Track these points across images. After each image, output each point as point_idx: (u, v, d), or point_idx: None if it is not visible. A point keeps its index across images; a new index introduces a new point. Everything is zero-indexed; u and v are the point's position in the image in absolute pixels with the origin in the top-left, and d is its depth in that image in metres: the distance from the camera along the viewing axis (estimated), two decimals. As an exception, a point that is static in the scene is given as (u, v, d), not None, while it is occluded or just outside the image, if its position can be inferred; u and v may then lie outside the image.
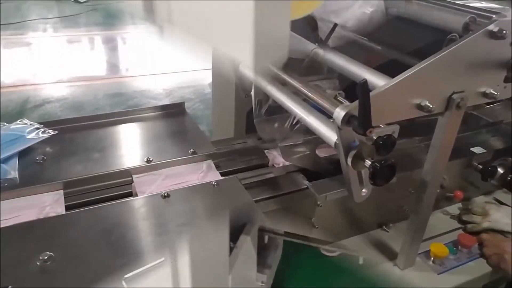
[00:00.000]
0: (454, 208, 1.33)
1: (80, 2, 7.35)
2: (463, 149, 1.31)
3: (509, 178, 1.35)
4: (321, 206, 1.05)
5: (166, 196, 0.93)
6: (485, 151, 1.30)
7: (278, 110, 1.18)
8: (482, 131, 1.42)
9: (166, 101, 3.84)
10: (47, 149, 1.10)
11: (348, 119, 0.75)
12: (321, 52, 1.10)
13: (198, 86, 4.10)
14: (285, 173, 1.12)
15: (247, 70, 1.19)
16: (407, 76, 0.78)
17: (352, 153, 0.80)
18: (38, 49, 5.22)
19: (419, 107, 0.82)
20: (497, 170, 1.29)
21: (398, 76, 0.78)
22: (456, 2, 0.95)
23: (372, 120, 0.77)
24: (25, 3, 6.95)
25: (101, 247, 0.79)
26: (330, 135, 0.86)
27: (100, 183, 1.00)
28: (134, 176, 1.03)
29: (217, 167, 1.11)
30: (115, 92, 4.01)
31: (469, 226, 1.23)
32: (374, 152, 0.81)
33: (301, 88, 0.89)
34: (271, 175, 1.11)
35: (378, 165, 0.76)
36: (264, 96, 1.18)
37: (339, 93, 1.12)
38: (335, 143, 0.82)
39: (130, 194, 1.00)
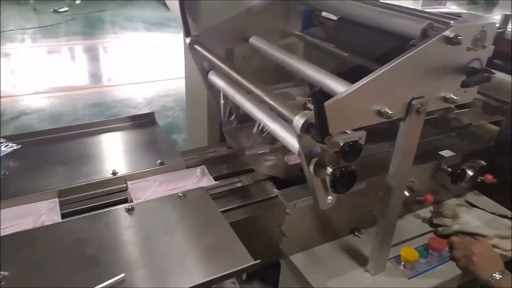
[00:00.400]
0: (426, 212, 1.34)
1: (59, 12, 7.28)
2: (433, 152, 1.32)
3: (479, 180, 1.37)
4: (290, 214, 1.05)
5: (130, 209, 0.92)
6: (454, 154, 1.31)
7: (249, 118, 1.18)
8: (452, 135, 1.44)
9: (146, 110, 3.80)
10: (10, 163, 1.08)
11: (307, 127, 0.75)
12: (288, 59, 1.10)
13: (179, 94, 4.08)
14: (253, 182, 1.11)
15: (216, 79, 1.19)
16: (365, 83, 0.78)
17: (314, 160, 0.80)
18: (16, 60, 5.14)
19: (379, 113, 0.82)
20: (466, 172, 1.31)
21: (357, 83, 0.79)
22: (417, 8, 0.97)
23: (331, 127, 0.77)
24: (3, 13, 6.84)
25: (61, 264, 0.77)
26: (294, 143, 0.86)
27: (63, 197, 0.98)
28: (128, 182, 1.02)
29: (186, 177, 1.09)
30: (94, 102, 3.96)
31: (439, 229, 1.24)
32: (336, 159, 0.81)
33: (263, 96, 0.89)
34: (240, 184, 1.10)
35: (338, 172, 0.76)
36: (233, 105, 1.18)
37: (308, 100, 1.13)
38: (298, 151, 0.82)
39: (93, 209, 0.98)
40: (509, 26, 1.41)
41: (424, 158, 1.28)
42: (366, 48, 1.05)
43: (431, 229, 1.26)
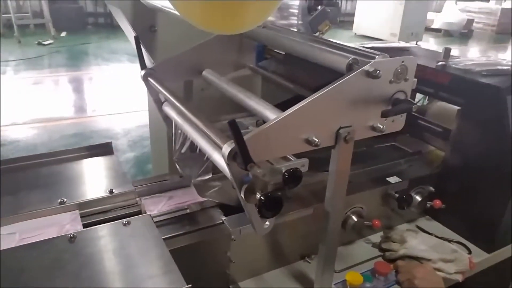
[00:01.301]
0: (377, 237, 1.38)
1: (44, 45, 7.38)
2: (381, 179, 1.37)
3: (428, 206, 1.42)
4: (235, 240, 1.07)
5: (72, 237, 0.93)
6: (401, 180, 1.36)
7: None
8: (401, 162, 1.50)
9: (123, 141, 3.83)
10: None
11: (233, 155, 0.79)
12: (233, 90, 1.16)
13: (157, 124, 4.12)
14: (201, 209, 1.14)
15: (168, 110, 1.24)
16: (290, 113, 0.83)
17: (244, 186, 0.83)
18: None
19: (307, 141, 0.87)
20: (412, 198, 1.36)
21: (283, 112, 0.84)
22: (345, 44, 1.04)
23: (260, 155, 0.82)
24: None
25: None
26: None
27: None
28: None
29: (135, 205, 1.12)
30: (72, 133, 3.97)
31: (387, 253, 1.27)
32: (266, 186, 0.85)
33: (201, 126, 0.93)
34: (187, 211, 1.12)
35: (263, 198, 0.80)
36: (185, 134, 1.22)
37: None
38: (230, 177, 0.86)
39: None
40: (458, 60, 1.50)
41: (371, 184, 1.33)
42: (306, 80, 1.12)
43: (380, 253, 1.30)
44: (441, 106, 1.62)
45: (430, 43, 10.89)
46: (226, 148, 0.79)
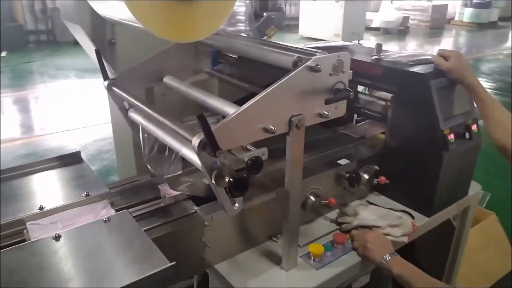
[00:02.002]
0: (334, 214, 1.54)
1: (-16, 66, 7.05)
2: (333, 162, 1.54)
3: (375, 183, 1.61)
4: (208, 226, 1.19)
5: (57, 237, 1.01)
6: (349, 162, 1.54)
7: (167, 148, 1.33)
8: (349, 146, 1.69)
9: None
10: None
11: (203, 145, 0.91)
12: (195, 93, 1.28)
13: (115, 137, 4.11)
14: (174, 202, 1.25)
15: (135, 115, 1.33)
16: (247, 106, 0.97)
17: (214, 173, 0.96)
18: None
19: (265, 130, 1.01)
20: (360, 176, 1.54)
21: (242, 106, 0.98)
22: (290, 45, 1.20)
23: (225, 144, 0.95)
24: None
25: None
26: (198, 161, 1.02)
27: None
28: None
29: (112, 204, 1.20)
30: (24, 153, 3.88)
31: (343, 226, 1.44)
32: (233, 171, 0.98)
33: (171, 125, 1.04)
34: (162, 205, 1.23)
35: (231, 180, 0.93)
36: (152, 137, 1.32)
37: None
38: (201, 166, 0.98)
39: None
40: (389, 53, 1.71)
41: (325, 167, 1.50)
42: (258, 78, 1.26)
43: (337, 227, 1.46)
44: (381, 96, 1.83)
45: (371, 41, 11.55)
46: (196, 140, 0.91)
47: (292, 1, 13.34)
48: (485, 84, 7.09)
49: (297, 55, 1.09)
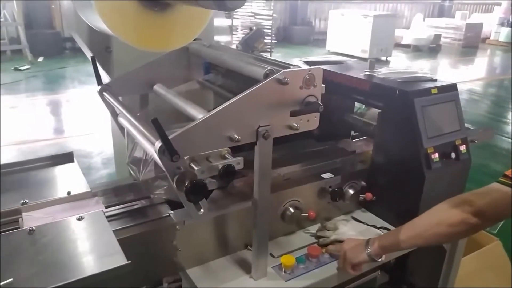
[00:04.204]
0: (316, 227, 1.54)
1: (21, 70, 7.47)
2: (317, 175, 1.55)
3: (362, 199, 1.60)
4: (179, 230, 1.22)
5: (31, 231, 1.07)
6: (333, 176, 1.54)
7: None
8: (337, 161, 1.68)
9: (97, 159, 3.94)
10: None
11: (163, 150, 0.95)
12: (177, 100, 1.33)
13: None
14: (149, 204, 1.29)
15: (122, 120, 1.40)
16: (214, 113, 1.01)
17: (176, 177, 0.99)
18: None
19: (230, 138, 1.05)
20: (343, 191, 1.54)
21: (206, 114, 1.01)
22: (270, 58, 1.24)
23: (187, 151, 0.99)
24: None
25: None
26: (166, 166, 1.06)
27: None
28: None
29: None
30: (47, 153, 4.06)
31: (320, 240, 1.44)
32: (195, 176, 1.01)
33: (144, 131, 1.10)
34: (137, 206, 1.28)
35: (189, 185, 0.96)
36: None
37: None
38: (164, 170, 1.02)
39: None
40: (381, 70, 1.71)
41: (307, 180, 1.51)
42: (239, 89, 1.30)
43: (316, 240, 1.46)
44: (375, 111, 1.82)
45: (400, 58, 11.40)
46: (157, 145, 0.96)
47: (322, 15, 13.41)
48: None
49: (269, 67, 1.12)
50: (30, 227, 1.08)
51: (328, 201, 1.55)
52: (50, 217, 1.16)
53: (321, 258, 1.36)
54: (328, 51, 11.10)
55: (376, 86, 1.53)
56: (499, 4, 14.60)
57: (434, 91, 1.46)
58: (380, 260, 1.27)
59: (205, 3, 0.94)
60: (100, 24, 1.27)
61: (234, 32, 8.37)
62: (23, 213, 1.17)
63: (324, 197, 1.54)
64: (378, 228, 1.50)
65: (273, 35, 8.97)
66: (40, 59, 8.46)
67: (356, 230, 1.45)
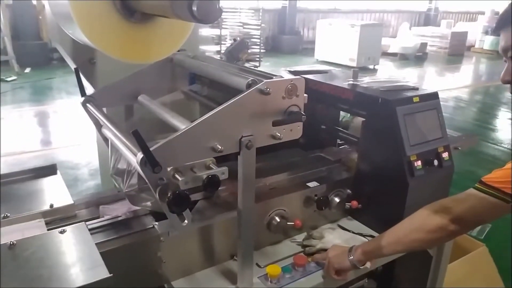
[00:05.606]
0: (303, 236, 1.54)
1: (7, 81, 7.39)
2: (302, 184, 1.55)
3: (348, 207, 1.61)
4: (164, 241, 1.22)
5: (12, 244, 1.05)
6: (319, 184, 1.55)
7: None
8: (323, 169, 1.69)
9: (84, 170, 3.90)
10: None
11: (145, 161, 0.95)
12: (161, 111, 1.33)
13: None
14: (133, 216, 1.28)
15: (105, 131, 1.39)
16: (196, 124, 1.01)
17: (159, 188, 0.99)
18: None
19: (213, 149, 1.05)
20: (329, 200, 1.54)
21: (188, 124, 1.01)
22: (253, 69, 1.25)
23: (170, 162, 0.99)
24: None
25: None
26: (149, 177, 1.06)
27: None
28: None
29: (74, 217, 1.25)
30: (32, 165, 4.01)
31: (307, 248, 1.44)
32: (178, 187, 1.01)
33: (126, 142, 1.09)
34: (121, 218, 1.26)
35: (171, 195, 0.96)
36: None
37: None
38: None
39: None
40: (364, 79, 1.73)
41: (292, 189, 1.51)
42: (223, 99, 1.31)
43: (302, 249, 1.46)
44: (360, 119, 1.84)
45: (388, 66, 11.55)
46: (139, 157, 0.95)
47: (310, 25, 13.56)
48: (505, 114, 6.98)
49: (252, 77, 1.13)
50: (10, 242, 1.06)
51: (314, 210, 1.55)
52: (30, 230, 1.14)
53: (307, 267, 1.36)
54: (317, 60, 11.20)
55: (359, 95, 1.55)
56: (483, 13, 14.96)
57: (416, 99, 1.49)
58: (362, 267, 1.27)
59: (182, 15, 0.94)
60: (82, 36, 1.27)
61: (223, 42, 8.41)
62: (3, 228, 1.15)
63: (310, 205, 1.54)
64: (364, 236, 1.50)
65: (262, 45, 9.02)
66: (27, 70, 8.38)
67: (342, 238, 1.46)
